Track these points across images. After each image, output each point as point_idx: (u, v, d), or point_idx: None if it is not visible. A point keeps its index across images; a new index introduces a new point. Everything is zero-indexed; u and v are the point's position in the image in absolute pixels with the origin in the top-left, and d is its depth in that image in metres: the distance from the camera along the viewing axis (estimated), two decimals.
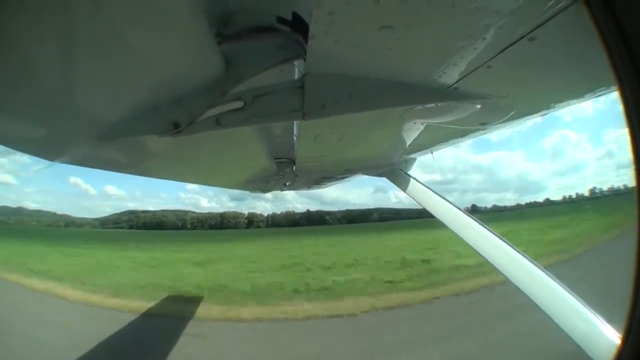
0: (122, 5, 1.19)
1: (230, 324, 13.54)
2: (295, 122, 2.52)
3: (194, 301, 16.35)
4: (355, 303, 15.13)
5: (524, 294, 2.58)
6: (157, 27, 1.35)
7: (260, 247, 38.48)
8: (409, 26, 1.25)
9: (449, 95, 1.72)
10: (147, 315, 14.85)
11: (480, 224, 3.08)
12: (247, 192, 6.98)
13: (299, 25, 1.52)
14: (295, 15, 1.54)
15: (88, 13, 1.19)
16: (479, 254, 2.95)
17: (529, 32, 1.20)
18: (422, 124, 2.27)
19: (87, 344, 10.87)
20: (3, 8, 1.13)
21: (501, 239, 2.91)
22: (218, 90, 1.75)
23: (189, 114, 1.81)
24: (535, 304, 2.50)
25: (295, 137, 2.95)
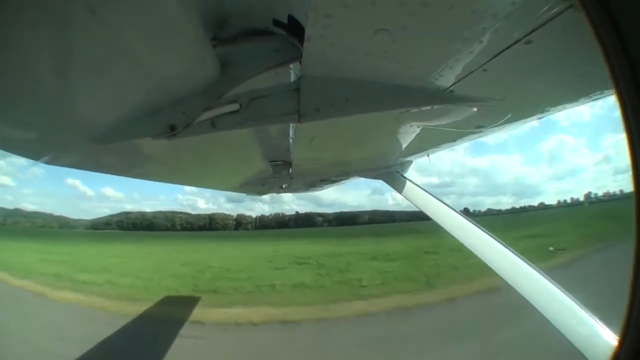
0: (118, 9, 1.19)
1: None
2: (291, 124, 2.51)
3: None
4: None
5: (521, 296, 2.58)
6: (153, 30, 1.34)
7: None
8: (405, 29, 1.25)
9: (445, 98, 1.72)
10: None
11: (477, 226, 3.08)
12: (244, 194, 6.96)
13: (295, 28, 1.52)
14: (291, 18, 1.54)
15: (85, 17, 1.18)
16: (476, 256, 2.95)
17: (525, 36, 1.19)
18: (418, 127, 2.27)
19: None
20: (0, 12, 1.12)
21: (498, 241, 2.90)
22: (214, 93, 1.74)
23: (185, 116, 1.80)
24: (532, 306, 2.51)
25: (291, 140, 2.94)
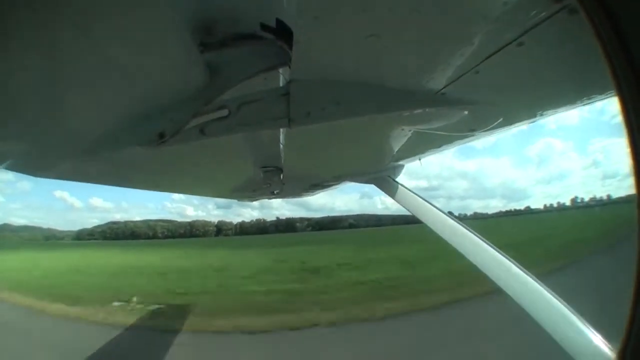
0: (103, 16, 1.16)
1: None
2: (281, 130, 2.48)
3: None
4: None
5: (513, 300, 2.58)
6: (139, 37, 1.32)
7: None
8: (395, 31, 1.23)
9: (437, 101, 1.71)
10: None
11: (469, 230, 3.08)
12: (232, 200, 6.92)
13: (283, 32, 1.50)
14: (279, 22, 1.51)
15: (69, 25, 1.15)
16: (468, 260, 2.95)
17: (518, 37, 1.19)
18: (410, 131, 2.26)
19: None
20: None
21: (491, 246, 2.91)
22: (202, 99, 1.71)
23: (173, 124, 1.77)
24: (524, 310, 2.51)
25: (281, 145, 2.91)
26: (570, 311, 2.38)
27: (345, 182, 4.86)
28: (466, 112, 1.86)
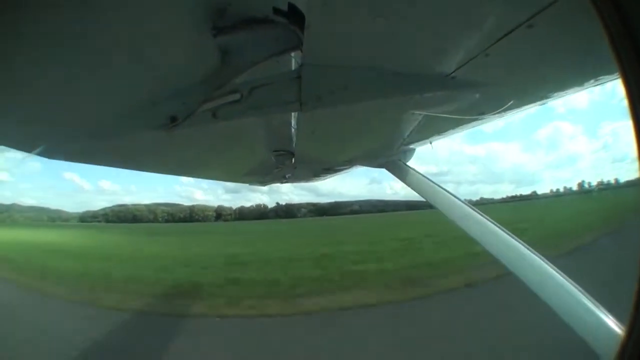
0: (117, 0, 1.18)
1: None
2: (293, 113, 2.50)
3: None
4: None
5: (526, 285, 2.57)
6: (152, 20, 1.34)
7: None
8: (405, 15, 1.24)
9: (447, 84, 1.71)
10: None
11: (481, 214, 3.06)
12: (242, 184, 6.96)
13: (295, 16, 1.50)
14: (291, 6, 1.52)
15: (83, 8, 1.17)
16: (480, 245, 2.94)
17: (527, 20, 1.18)
18: (420, 114, 2.26)
19: None
20: None
21: (503, 230, 2.88)
22: (214, 83, 1.74)
23: (186, 107, 1.80)
24: (538, 296, 2.49)
25: (293, 129, 2.93)
26: (579, 290, 2.38)
27: (356, 166, 4.86)
28: (477, 96, 1.85)
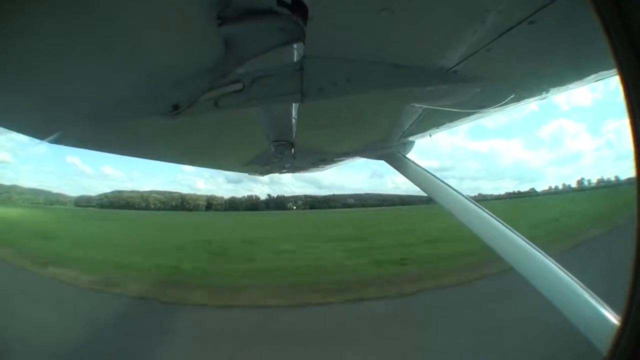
0: None
1: None
2: (294, 104, 2.50)
3: None
4: None
5: (525, 279, 2.59)
6: (158, 9, 1.34)
7: None
8: (408, 9, 1.24)
9: (448, 78, 1.72)
10: None
11: (478, 206, 3.08)
12: (244, 174, 6.96)
13: (299, 8, 1.51)
14: None
15: None
16: (479, 238, 2.96)
17: (529, 16, 1.19)
18: (421, 107, 2.27)
19: None
20: None
21: (502, 224, 2.89)
22: (217, 72, 1.74)
23: (188, 95, 1.81)
24: (538, 290, 2.51)
25: (294, 120, 2.93)
26: (577, 283, 2.41)
27: (355, 157, 4.87)
28: (477, 90, 1.87)
